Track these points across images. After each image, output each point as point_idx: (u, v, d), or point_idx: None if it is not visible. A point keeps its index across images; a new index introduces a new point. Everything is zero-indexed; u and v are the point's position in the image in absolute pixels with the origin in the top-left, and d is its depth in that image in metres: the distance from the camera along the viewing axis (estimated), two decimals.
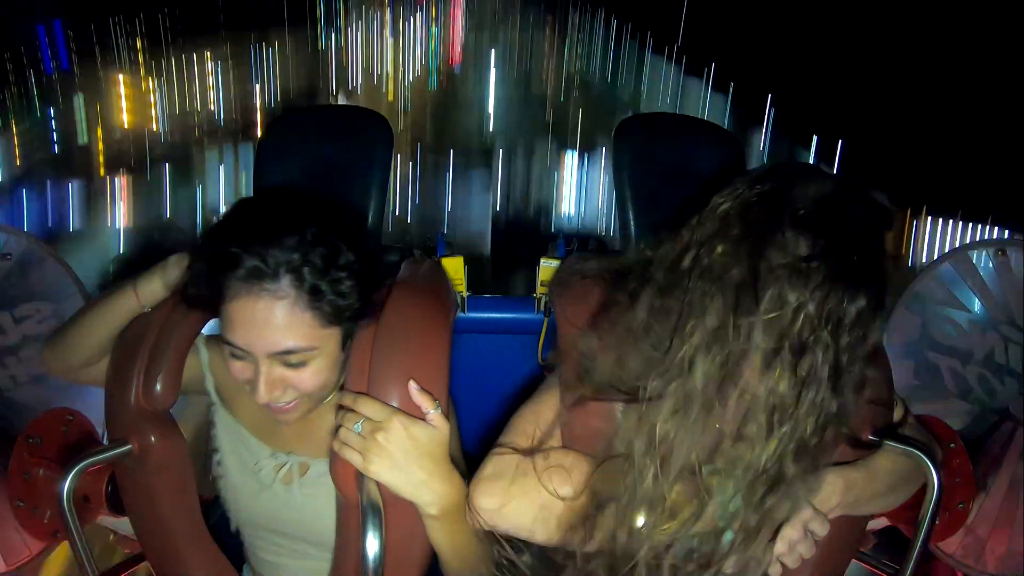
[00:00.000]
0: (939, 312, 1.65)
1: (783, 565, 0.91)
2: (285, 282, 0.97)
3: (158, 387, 1.14)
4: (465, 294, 1.55)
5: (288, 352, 0.99)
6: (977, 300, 1.60)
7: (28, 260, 1.62)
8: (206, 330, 1.27)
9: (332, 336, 1.03)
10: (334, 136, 1.57)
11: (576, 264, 1.16)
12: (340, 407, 1.02)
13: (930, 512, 1.05)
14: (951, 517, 1.45)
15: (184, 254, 1.14)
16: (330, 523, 1.09)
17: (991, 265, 1.59)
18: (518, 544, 0.96)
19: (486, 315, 1.60)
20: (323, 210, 1.05)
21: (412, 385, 0.99)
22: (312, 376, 1.04)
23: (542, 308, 1.56)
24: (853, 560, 1.19)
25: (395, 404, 0.99)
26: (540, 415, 1.02)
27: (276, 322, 0.97)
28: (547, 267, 1.52)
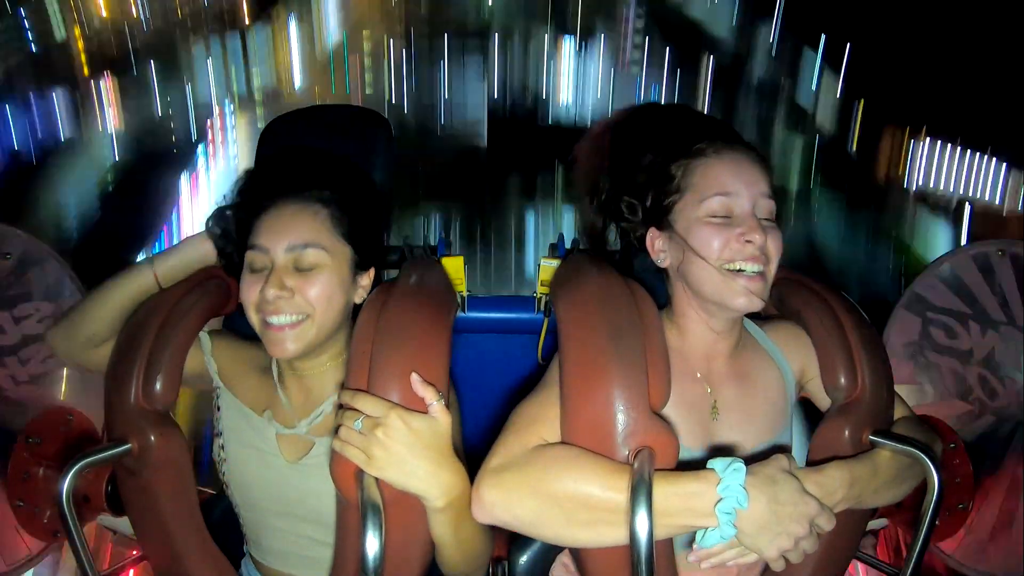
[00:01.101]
0: (939, 312, 1.65)
1: (786, 561, 0.91)
2: (312, 197, 1.15)
3: (158, 386, 1.14)
4: (465, 294, 1.55)
5: (305, 246, 1.11)
6: (977, 300, 1.60)
7: (28, 260, 1.62)
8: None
9: (342, 252, 1.15)
10: (334, 136, 1.57)
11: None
12: (340, 406, 1.02)
13: (930, 512, 1.04)
14: (951, 517, 1.45)
15: (201, 233, 1.25)
16: (333, 504, 1.08)
17: (992, 265, 1.58)
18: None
19: (486, 315, 1.59)
20: (347, 164, 1.25)
21: (414, 377, 0.98)
22: (319, 287, 1.11)
23: (542, 308, 1.56)
24: (854, 560, 1.19)
25: (395, 399, 0.98)
26: (542, 409, 1.02)
27: (299, 221, 1.13)
28: (547, 267, 1.51)
